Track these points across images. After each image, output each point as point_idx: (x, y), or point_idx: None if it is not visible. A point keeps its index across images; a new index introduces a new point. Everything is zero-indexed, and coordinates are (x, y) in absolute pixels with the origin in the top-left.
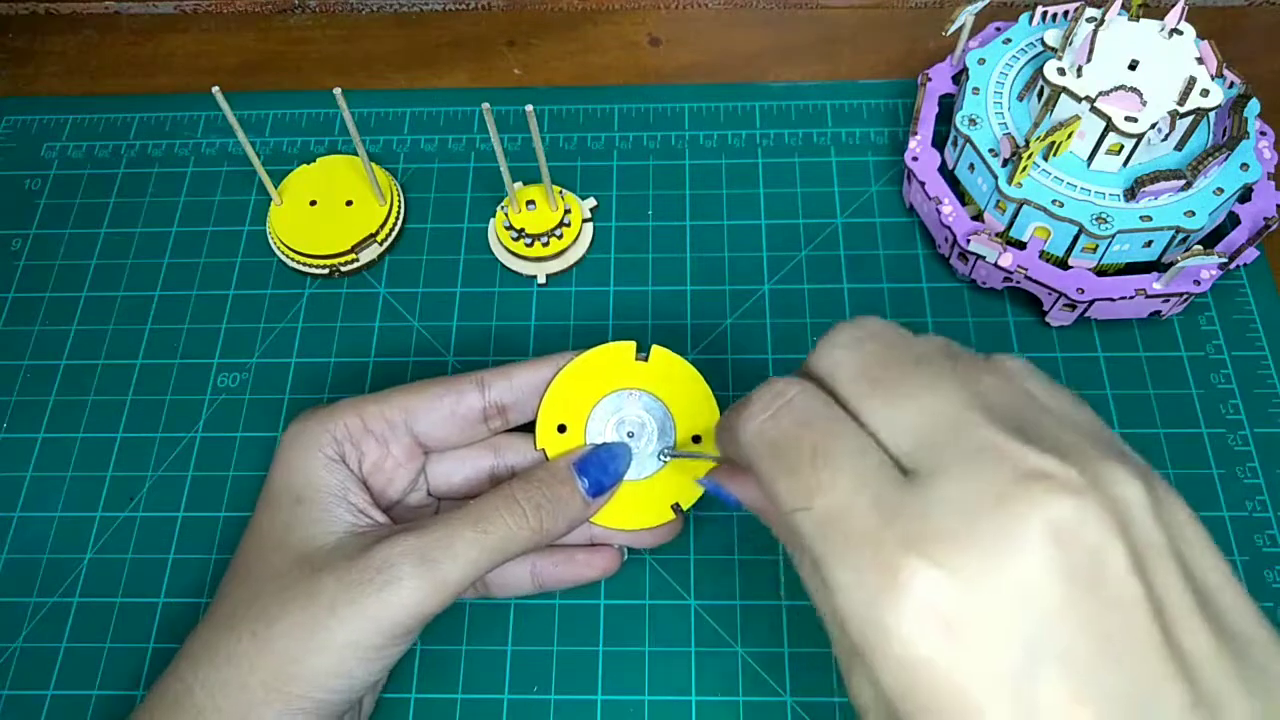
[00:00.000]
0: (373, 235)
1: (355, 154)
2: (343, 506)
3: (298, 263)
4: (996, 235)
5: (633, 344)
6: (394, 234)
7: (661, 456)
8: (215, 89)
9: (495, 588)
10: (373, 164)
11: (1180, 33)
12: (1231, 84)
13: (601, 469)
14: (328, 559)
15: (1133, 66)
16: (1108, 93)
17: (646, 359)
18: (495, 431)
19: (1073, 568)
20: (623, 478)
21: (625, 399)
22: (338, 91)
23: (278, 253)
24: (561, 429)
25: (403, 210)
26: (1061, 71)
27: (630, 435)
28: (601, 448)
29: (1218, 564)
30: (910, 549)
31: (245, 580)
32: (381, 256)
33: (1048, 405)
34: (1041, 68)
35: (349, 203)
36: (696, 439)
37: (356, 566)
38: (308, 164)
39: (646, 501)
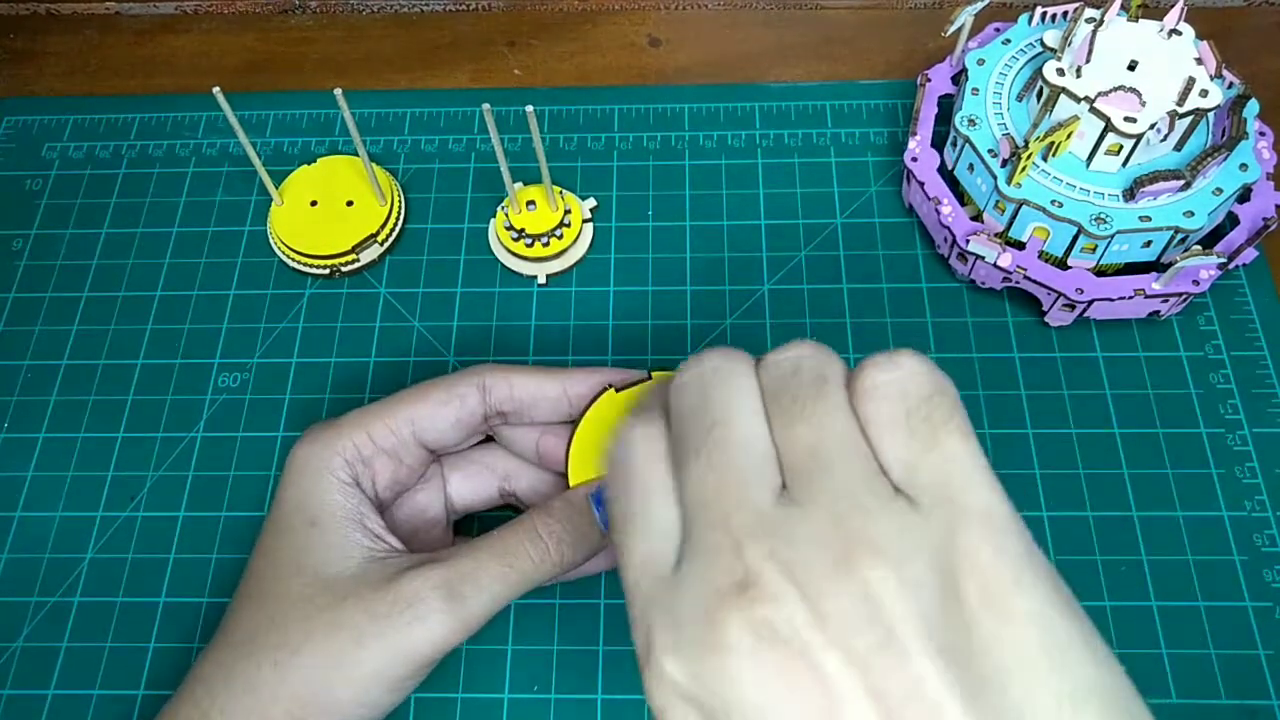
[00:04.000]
0: (373, 235)
1: (356, 154)
2: (359, 531)
3: (298, 263)
4: (996, 235)
5: (653, 381)
6: (394, 234)
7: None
8: (216, 89)
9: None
10: (373, 164)
11: (1179, 33)
12: (1230, 84)
13: None
14: (351, 587)
15: (1132, 67)
16: (1107, 93)
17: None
18: (494, 428)
19: (779, 665)
20: None
21: None
22: (338, 92)
23: (278, 253)
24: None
25: (403, 210)
26: (1060, 72)
27: None
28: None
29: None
30: (654, 633)
31: (261, 604)
32: (382, 257)
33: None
34: (1041, 68)
35: (350, 203)
36: None
37: (384, 598)
38: (308, 164)
39: None
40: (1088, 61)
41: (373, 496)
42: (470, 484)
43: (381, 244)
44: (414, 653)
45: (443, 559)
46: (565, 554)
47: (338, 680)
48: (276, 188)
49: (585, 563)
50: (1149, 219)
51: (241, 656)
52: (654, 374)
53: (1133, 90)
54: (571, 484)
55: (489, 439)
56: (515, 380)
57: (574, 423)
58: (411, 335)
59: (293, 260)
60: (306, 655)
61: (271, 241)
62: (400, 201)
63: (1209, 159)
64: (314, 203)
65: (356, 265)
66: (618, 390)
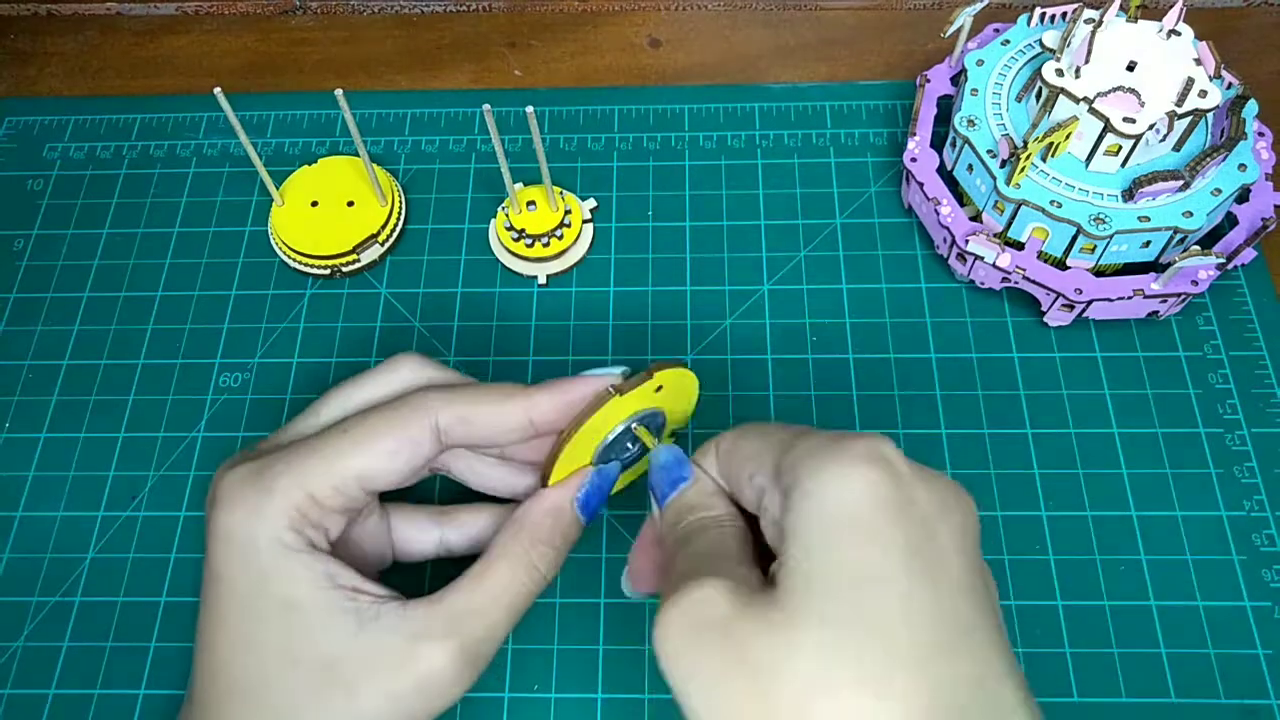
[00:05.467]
0: (374, 236)
1: (357, 155)
2: (339, 596)
3: (299, 263)
4: (995, 236)
5: (652, 386)
6: (395, 235)
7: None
8: (217, 90)
9: (401, 554)
10: (374, 165)
11: (1178, 34)
12: (1229, 85)
13: (600, 496)
14: (361, 669)
15: (1131, 67)
16: (1106, 94)
17: (660, 390)
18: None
19: None
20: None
21: (636, 422)
22: (338, 93)
23: (279, 253)
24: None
25: (404, 211)
26: (1060, 73)
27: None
28: (602, 474)
29: None
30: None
31: (255, 702)
32: (383, 257)
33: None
34: (1040, 69)
35: (350, 203)
36: (673, 435)
37: (405, 682)
38: (309, 165)
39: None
40: (1087, 62)
41: (329, 550)
42: (418, 536)
43: (382, 244)
44: (439, 710)
45: (449, 618)
46: (555, 569)
47: None
48: (277, 188)
49: None
50: (1148, 219)
51: None
52: (656, 372)
53: (1132, 91)
54: (552, 483)
55: None
56: (473, 417)
57: (563, 431)
58: (412, 335)
59: (293, 260)
60: None
61: (272, 242)
62: (401, 202)
63: (1208, 159)
64: (315, 203)
65: (357, 265)
66: (622, 394)
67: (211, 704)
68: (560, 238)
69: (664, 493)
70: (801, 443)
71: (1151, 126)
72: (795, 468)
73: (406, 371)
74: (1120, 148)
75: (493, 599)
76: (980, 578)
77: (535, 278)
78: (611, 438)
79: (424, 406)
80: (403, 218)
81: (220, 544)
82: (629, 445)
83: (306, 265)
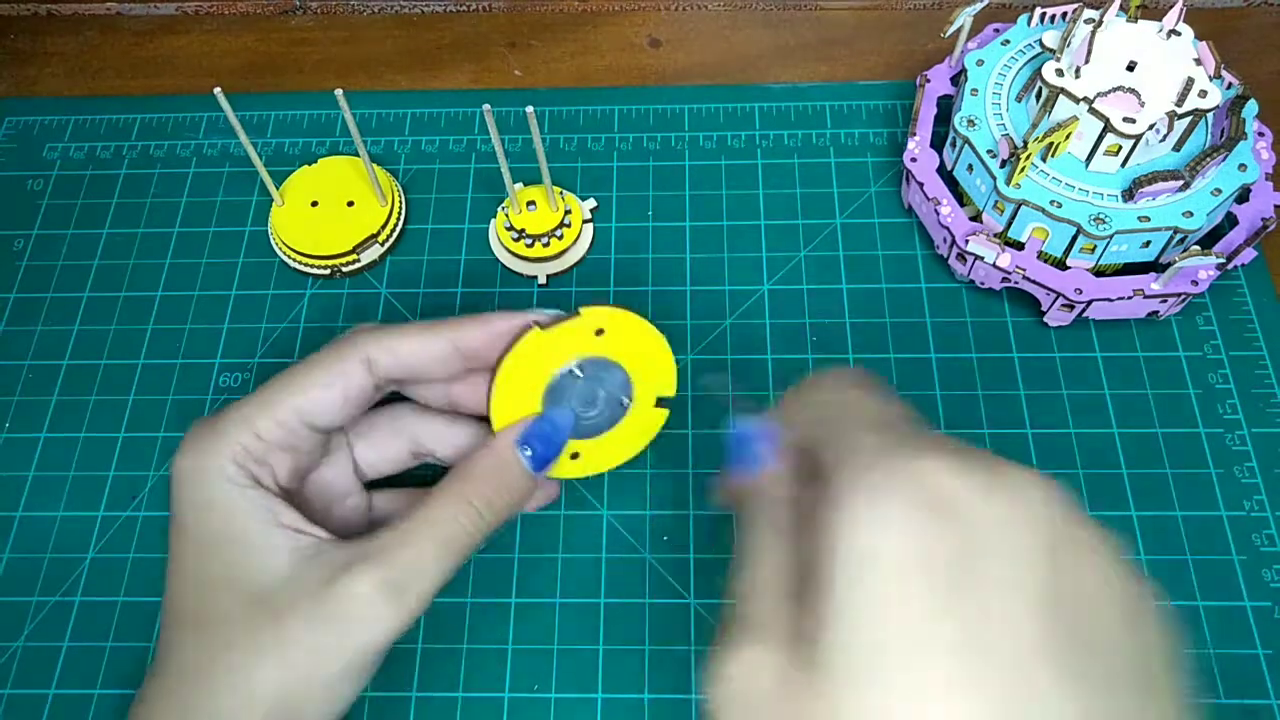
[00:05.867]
0: (374, 236)
1: (357, 155)
2: (278, 534)
3: (299, 263)
4: (995, 236)
5: (583, 318)
6: (395, 235)
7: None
8: (217, 90)
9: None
10: (374, 165)
11: (1178, 34)
12: (1229, 85)
13: (546, 442)
14: (289, 599)
15: (1131, 67)
16: (1106, 94)
17: (601, 333)
18: (386, 392)
19: None
20: (564, 446)
21: (579, 367)
22: (339, 93)
23: (279, 253)
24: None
25: (404, 211)
26: (1060, 73)
27: (590, 402)
28: (545, 419)
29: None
30: None
31: (200, 630)
32: (383, 257)
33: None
34: (1040, 69)
35: (350, 203)
36: (661, 402)
37: (326, 609)
38: (309, 165)
39: (618, 443)
40: (1087, 62)
41: (277, 491)
42: (378, 451)
43: (382, 244)
44: (367, 651)
45: (376, 551)
46: (498, 515)
47: (299, 695)
48: (277, 188)
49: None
50: (1148, 219)
51: (196, 688)
52: (583, 309)
53: (1131, 91)
54: (495, 429)
55: (397, 395)
56: (398, 346)
57: (493, 367)
58: None
59: (293, 260)
60: (260, 680)
61: (272, 242)
62: (401, 202)
63: (1208, 159)
64: (315, 203)
65: (357, 265)
66: (544, 328)
67: (165, 633)
68: (560, 238)
69: (734, 469)
70: (863, 438)
71: (1151, 126)
72: (838, 484)
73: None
74: (1120, 148)
75: (421, 531)
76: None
77: (535, 278)
78: (557, 380)
79: (354, 342)
80: (403, 218)
81: (175, 485)
82: (595, 401)
83: (306, 265)
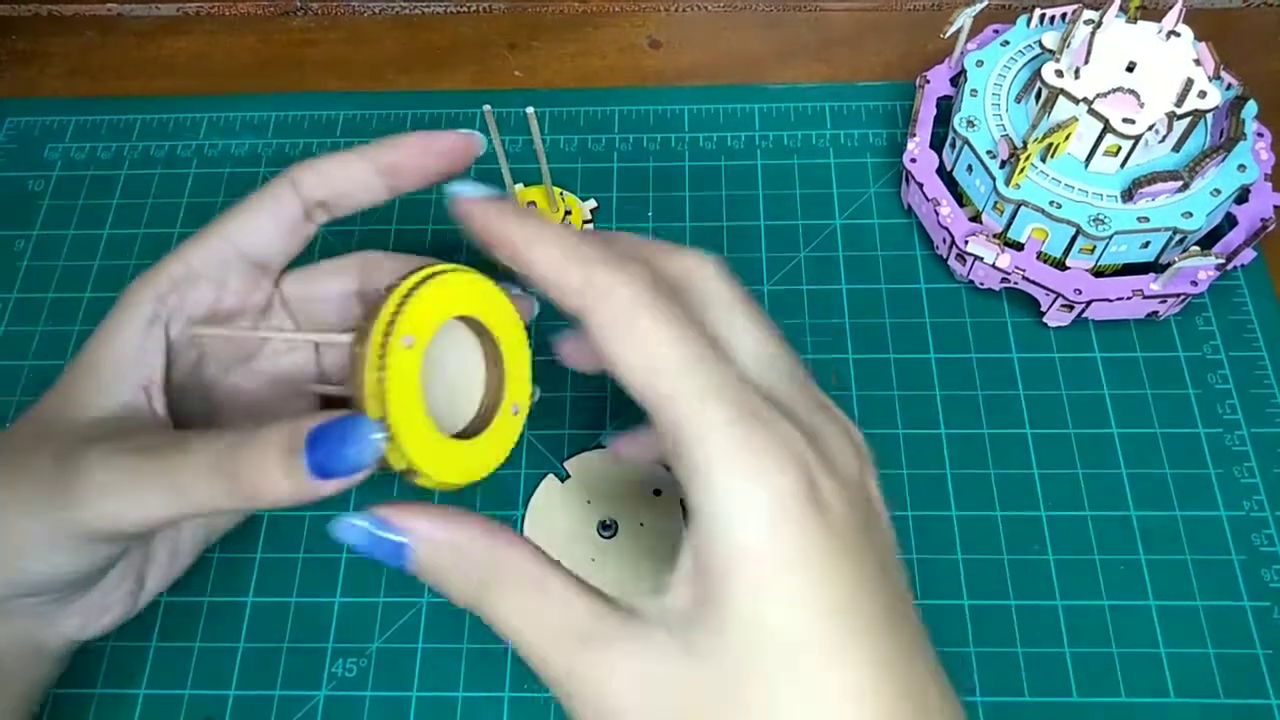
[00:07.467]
0: None
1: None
2: (126, 389)
3: None
4: (994, 236)
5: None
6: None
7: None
8: None
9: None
10: None
11: (1178, 34)
12: (1229, 85)
13: (331, 453)
14: (74, 444)
15: (1130, 68)
16: (1105, 94)
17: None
18: (320, 225)
19: None
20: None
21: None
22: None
23: None
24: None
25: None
26: (1059, 73)
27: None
28: (339, 425)
29: None
30: None
31: (12, 431)
32: None
33: None
34: (1039, 70)
35: None
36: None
37: (66, 470)
38: None
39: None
40: (1086, 63)
41: (169, 342)
42: (320, 288)
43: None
44: (82, 527)
45: (142, 448)
46: (242, 503)
47: (20, 531)
48: None
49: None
50: (1147, 220)
51: None
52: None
53: (1131, 91)
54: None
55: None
56: (323, 167)
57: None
58: None
59: None
60: (4, 497)
61: None
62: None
63: (1207, 160)
64: None
65: None
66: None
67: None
68: None
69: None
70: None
71: (1151, 127)
72: (690, 458)
73: None
74: (1120, 148)
75: (167, 469)
76: (896, 566)
77: None
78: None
79: (284, 174)
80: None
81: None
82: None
83: None
